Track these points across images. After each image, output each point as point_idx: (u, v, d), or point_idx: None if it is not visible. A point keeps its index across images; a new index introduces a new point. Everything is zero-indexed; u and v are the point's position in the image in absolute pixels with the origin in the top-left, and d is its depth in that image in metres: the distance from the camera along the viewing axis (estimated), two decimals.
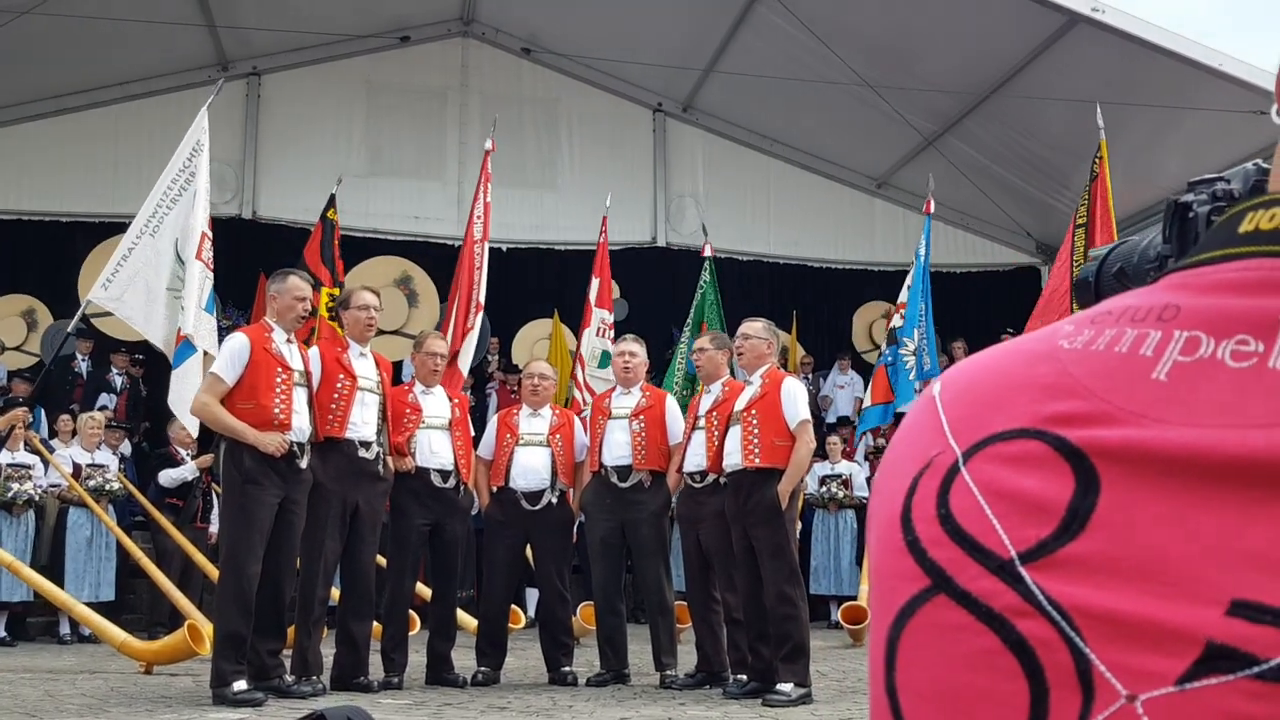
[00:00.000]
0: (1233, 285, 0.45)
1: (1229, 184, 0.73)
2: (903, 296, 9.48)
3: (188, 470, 8.86)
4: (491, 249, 12.13)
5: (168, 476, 8.89)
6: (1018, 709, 0.41)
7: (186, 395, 5.94)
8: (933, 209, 9.80)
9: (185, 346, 6.19)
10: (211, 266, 6.48)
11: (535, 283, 12.38)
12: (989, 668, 0.42)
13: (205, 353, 6.20)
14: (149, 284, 6.28)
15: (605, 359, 9.26)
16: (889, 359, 9.46)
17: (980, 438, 0.47)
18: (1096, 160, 8.14)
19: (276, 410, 5.13)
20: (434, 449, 5.91)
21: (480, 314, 8.17)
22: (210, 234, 6.54)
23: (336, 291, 8.45)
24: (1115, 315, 0.48)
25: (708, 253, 10.21)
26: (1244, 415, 0.41)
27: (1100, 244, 7.80)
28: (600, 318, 9.58)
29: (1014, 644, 0.42)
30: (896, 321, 9.45)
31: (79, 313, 6.86)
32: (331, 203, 9.20)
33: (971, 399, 0.49)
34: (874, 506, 0.52)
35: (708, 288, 9.96)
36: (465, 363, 7.77)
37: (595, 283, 9.77)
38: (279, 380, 5.18)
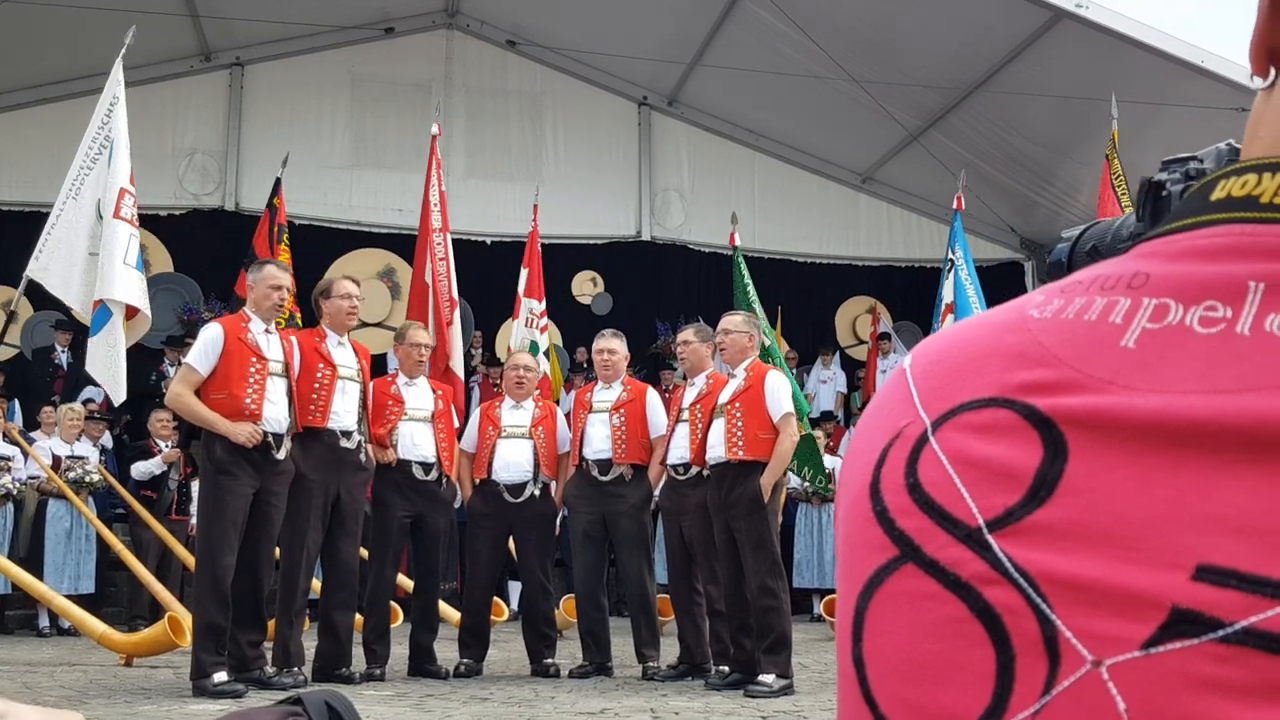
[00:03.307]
0: (1201, 252, 0.45)
1: (1202, 163, 0.73)
2: (949, 297, 9.20)
3: (154, 464, 8.82)
4: (475, 242, 12.14)
5: (138, 469, 8.85)
6: (984, 676, 0.41)
7: (109, 362, 5.72)
8: (963, 205, 9.54)
9: (103, 311, 5.91)
10: (136, 223, 6.21)
11: (520, 276, 12.37)
12: (956, 635, 0.42)
13: (139, 311, 5.95)
14: (71, 248, 6.04)
15: (534, 349, 9.26)
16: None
17: (949, 407, 0.47)
18: (1111, 151, 8.04)
19: (248, 400, 5.11)
20: (416, 441, 5.90)
21: (456, 309, 8.07)
22: (132, 190, 6.25)
23: None
24: (1085, 284, 0.48)
25: (736, 240, 10.03)
26: (1212, 381, 0.41)
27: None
28: (529, 308, 9.54)
29: (981, 612, 0.42)
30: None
31: (19, 290, 6.67)
32: (276, 188, 9.17)
33: (941, 370, 0.49)
34: (844, 478, 0.52)
35: (749, 276, 9.79)
36: (457, 361, 7.69)
37: (524, 273, 9.73)
38: (253, 370, 5.16)
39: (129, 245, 6.00)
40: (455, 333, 7.84)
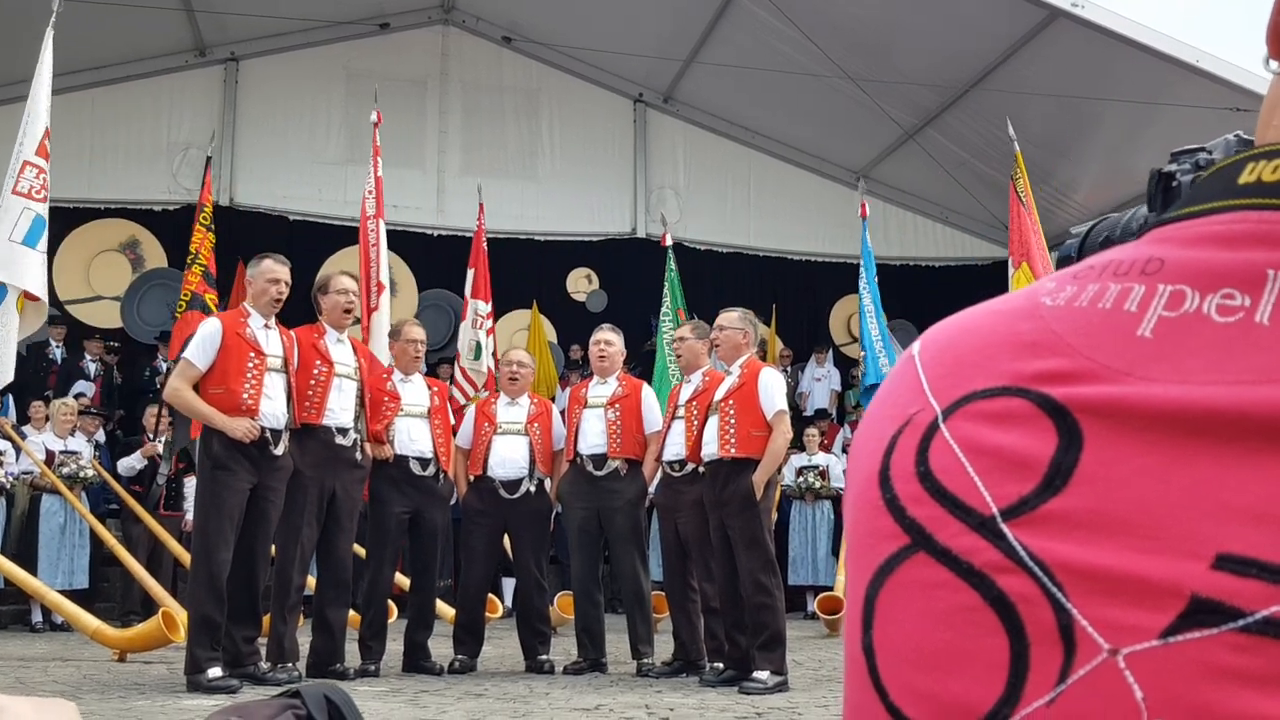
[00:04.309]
0: (1219, 238, 0.44)
1: (1211, 154, 0.73)
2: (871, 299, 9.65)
3: (134, 459, 8.80)
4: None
5: (122, 464, 8.84)
6: (997, 665, 0.41)
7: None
8: (868, 213, 9.91)
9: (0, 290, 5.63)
10: (39, 196, 5.88)
11: (514, 273, 12.37)
12: (969, 624, 0.42)
13: (28, 294, 5.66)
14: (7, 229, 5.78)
15: (479, 351, 9.15)
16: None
17: (960, 395, 0.47)
18: (1016, 173, 8.21)
19: (245, 396, 5.09)
20: (413, 437, 5.89)
21: (384, 294, 7.64)
22: (38, 163, 5.98)
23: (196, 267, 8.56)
24: (1098, 270, 0.47)
25: (668, 242, 10.19)
26: (1231, 371, 0.41)
27: (1022, 254, 7.86)
28: (475, 309, 9.45)
29: (994, 600, 0.41)
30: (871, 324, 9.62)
31: None
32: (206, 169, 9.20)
33: (951, 357, 0.49)
34: (851, 466, 0.51)
35: (675, 276, 9.95)
36: (379, 346, 7.38)
37: (470, 274, 9.62)
38: (250, 365, 5.14)
39: (19, 220, 5.68)
40: (378, 320, 7.50)
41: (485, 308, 9.47)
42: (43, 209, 5.82)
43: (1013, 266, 8.56)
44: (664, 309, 9.96)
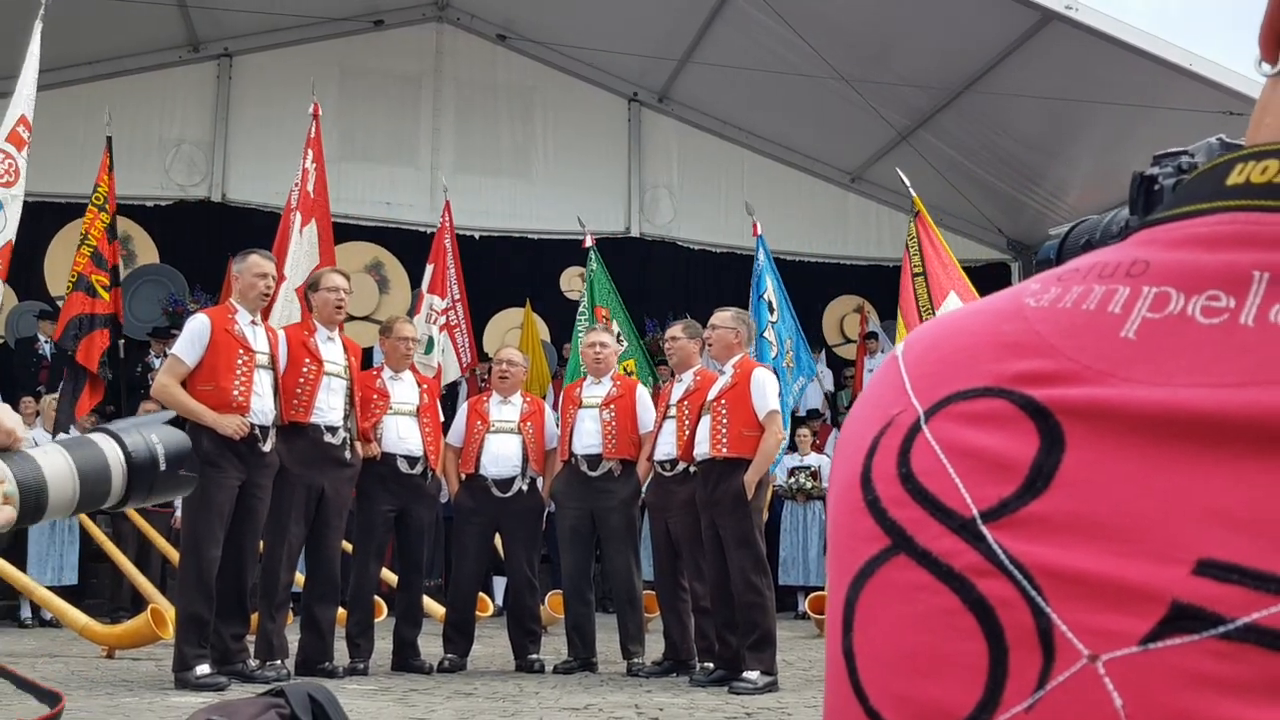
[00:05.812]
0: (1205, 239, 0.44)
1: (1193, 157, 0.73)
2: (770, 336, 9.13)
3: None
4: (463, 237, 12.16)
5: None
6: (976, 669, 0.40)
7: None
8: (760, 231, 9.61)
9: None
10: (3, 181, 5.88)
11: (508, 271, 12.35)
12: (948, 628, 0.41)
13: None
14: None
15: (430, 345, 9.10)
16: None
17: (942, 396, 0.46)
18: (914, 216, 8.01)
19: (235, 392, 5.07)
20: (401, 435, 5.88)
21: (283, 285, 6.92)
22: (8, 149, 5.95)
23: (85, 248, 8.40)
24: (1083, 272, 0.47)
25: (589, 243, 10.06)
26: (1215, 374, 0.40)
27: (945, 289, 7.62)
28: (430, 304, 9.39)
29: (974, 604, 0.41)
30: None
31: None
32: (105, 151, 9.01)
33: (935, 358, 0.48)
34: (834, 468, 0.51)
35: (597, 274, 9.78)
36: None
37: (429, 269, 9.49)
38: (240, 362, 5.13)
39: None
40: (278, 313, 6.87)
41: (441, 303, 9.37)
42: (4, 194, 5.83)
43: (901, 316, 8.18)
44: (581, 307, 9.85)
